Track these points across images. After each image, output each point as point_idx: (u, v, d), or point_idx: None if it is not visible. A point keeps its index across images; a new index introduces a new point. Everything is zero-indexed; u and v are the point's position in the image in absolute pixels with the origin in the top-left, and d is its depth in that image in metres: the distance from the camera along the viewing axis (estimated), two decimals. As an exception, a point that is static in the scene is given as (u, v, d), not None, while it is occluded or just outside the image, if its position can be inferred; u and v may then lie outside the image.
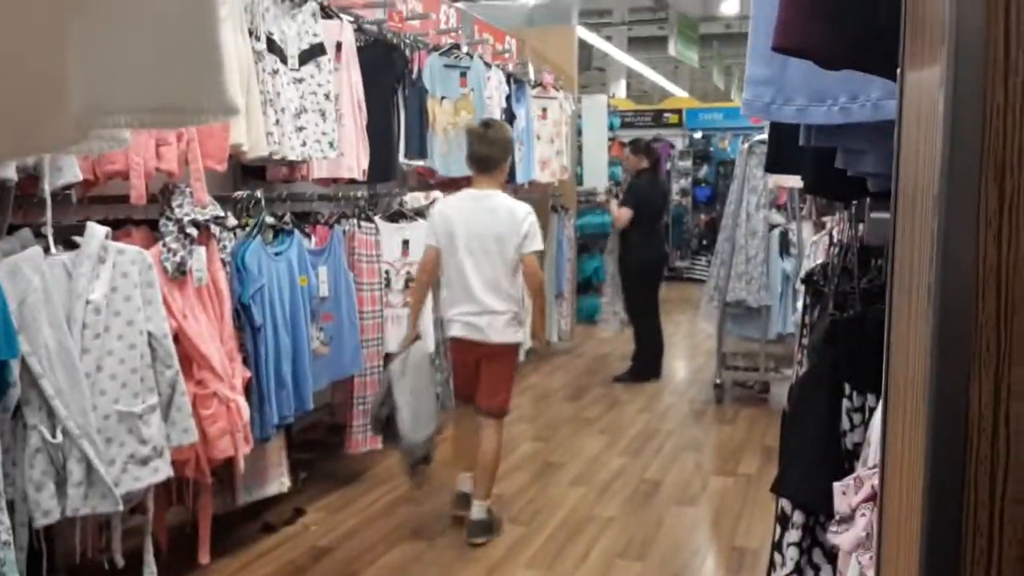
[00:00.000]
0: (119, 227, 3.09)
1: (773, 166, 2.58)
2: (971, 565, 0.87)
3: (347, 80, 4.21)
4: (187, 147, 3.08)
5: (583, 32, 9.53)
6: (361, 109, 4.31)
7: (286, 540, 3.79)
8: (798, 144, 1.83)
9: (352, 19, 4.41)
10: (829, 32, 1.26)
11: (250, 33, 3.47)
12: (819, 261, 3.21)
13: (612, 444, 5.29)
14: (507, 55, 7.02)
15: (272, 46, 3.60)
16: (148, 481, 2.83)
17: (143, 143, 2.91)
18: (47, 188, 2.63)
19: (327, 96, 3.90)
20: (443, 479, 4.59)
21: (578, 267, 8.66)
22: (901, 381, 1.07)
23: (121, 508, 2.75)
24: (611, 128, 9.56)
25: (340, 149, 4.04)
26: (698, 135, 14.05)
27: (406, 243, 4.74)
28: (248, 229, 3.59)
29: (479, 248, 3.75)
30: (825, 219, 4.11)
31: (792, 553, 2.02)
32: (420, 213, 4.94)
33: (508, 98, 6.16)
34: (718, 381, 6.31)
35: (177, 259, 3.05)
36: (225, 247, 3.41)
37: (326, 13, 4.09)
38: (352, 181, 4.38)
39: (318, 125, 3.84)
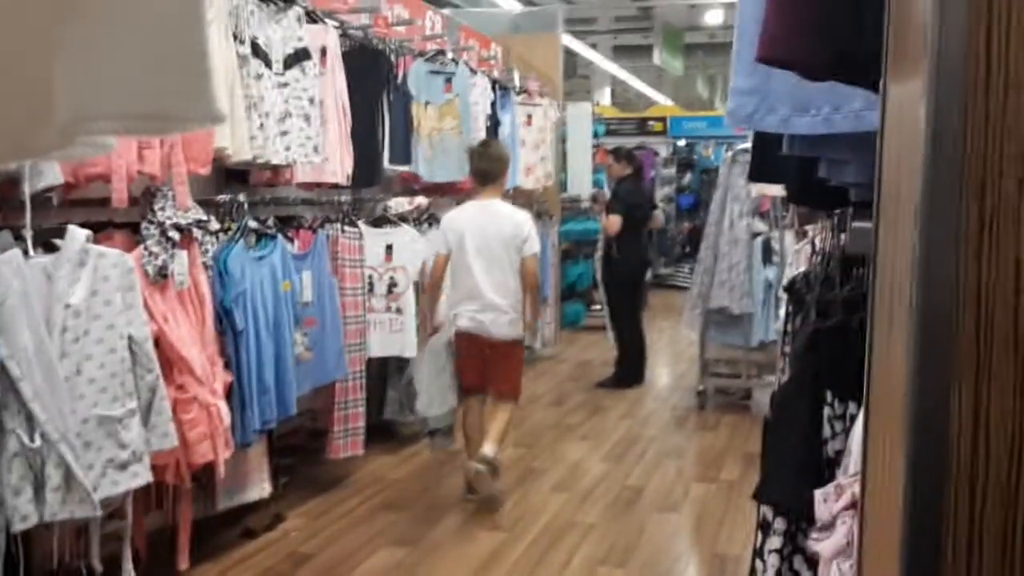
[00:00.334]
0: (100, 230, 3.07)
1: (756, 175, 2.60)
2: (951, 574, 0.87)
3: (332, 85, 4.20)
4: (170, 150, 3.07)
5: (568, 40, 9.57)
6: (346, 114, 4.31)
7: (266, 546, 3.77)
8: (781, 153, 1.84)
9: (337, 24, 4.41)
10: (813, 44, 1.27)
11: (234, 37, 3.46)
12: (801, 269, 3.23)
13: (594, 450, 5.30)
14: (492, 62, 7.03)
15: (257, 50, 3.59)
16: (127, 486, 2.81)
17: (125, 146, 2.89)
18: (27, 191, 2.61)
19: (311, 101, 3.89)
20: (419, 489, 4.58)
21: (562, 273, 8.67)
22: (882, 391, 1.08)
23: (99, 513, 2.72)
24: (596, 135, 9.60)
25: (324, 154, 4.03)
26: (682, 143, 14.12)
27: (389, 248, 4.74)
28: (231, 233, 3.57)
29: (487, 251, 4.16)
30: (807, 228, 4.13)
31: (773, 560, 2.03)
32: (404, 218, 4.94)
33: (493, 104, 6.17)
34: (700, 388, 6.33)
35: (158, 263, 3.03)
36: (207, 251, 3.39)
37: (311, 18, 4.08)
38: (336, 186, 4.37)
39: (302, 129, 3.84)
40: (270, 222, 3.83)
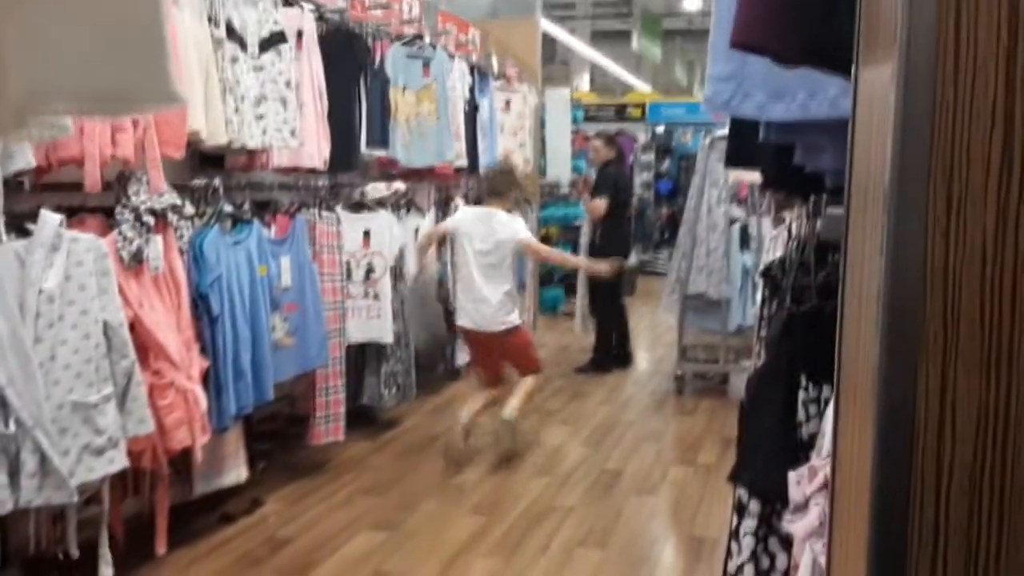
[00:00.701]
0: (73, 215, 3.04)
1: (733, 161, 2.61)
2: (917, 553, 0.89)
3: (308, 68, 4.17)
4: (143, 134, 3.04)
5: (547, 25, 9.54)
6: (322, 98, 4.28)
7: (244, 530, 3.77)
8: (758, 139, 1.85)
9: (313, 7, 4.37)
10: (786, 30, 1.28)
11: (209, 20, 3.43)
12: (778, 255, 3.25)
13: (573, 435, 5.33)
14: (470, 46, 7.00)
15: (232, 33, 3.56)
16: (103, 472, 2.80)
17: (98, 130, 2.86)
18: (-1, 174, 2.58)
19: (288, 84, 3.87)
20: (398, 473, 4.60)
21: (540, 259, 8.67)
22: (851, 373, 1.09)
23: (76, 499, 2.71)
24: (574, 121, 9.60)
25: (301, 138, 4.01)
26: (660, 129, 14.13)
27: (367, 233, 4.73)
28: (206, 218, 3.55)
29: (484, 252, 4.70)
30: (784, 214, 4.16)
31: (748, 541, 2.06)
32: (382, 203, 4.92)
33: (471, 89, 6.15)
34: (679, 372, 6.37)
35: (133, 247, 3.01)
36: (182, 236, 3.36)
37: (287, 1, 4.05)
38: (313, 170, 4.35)
39: (278, 113, 3.81)
40: (246, 207, 3.81)
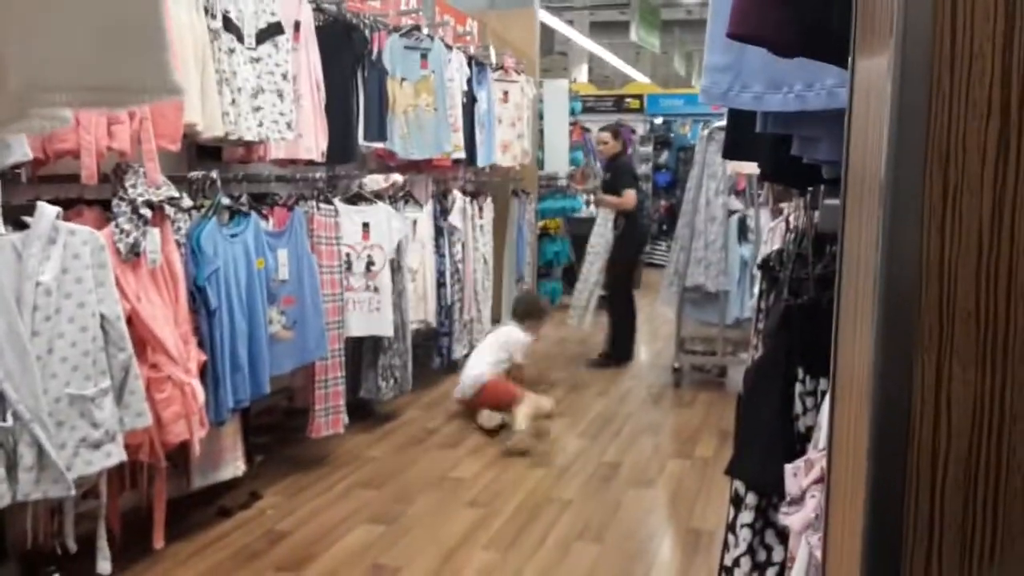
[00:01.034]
0: (70, 207, 3.03)
1: (731, 152, 2.60)
2: (912, 546, 0.89)
3: (305, 60, 4.16)
4: (140, 126, 3.02)
5: (545, 16, 9.50)
6: (320, 90, 4.27)
7: (242, 524, 3.77)
8: (755, 131, 1.84)
9: (311, -2, 4.35)
10: (784, 20, 1.28)
11: (206, 11, 3.42)
12: (775, 247, 3.24)
13: (571, 427, 5.33)
14: (468, 37, 6.98)
15: (228, 24, 3.54)
16: (101, 465, 2.80)
17: (94, 122, 2.85)
18: (-5, 167, 2.57)
19: (285, 76, 3.85)
20: (395, 466, 4.60)
21: (538, 251, 8.67)
22: (848, 366, 1.09)
23: (73, 492, 2.71)
24: (573, 113, 9.56)
25: (298, 130, 4.00)
26: (659, 121, 14.11)
27: (366, 226, 4.72)
28: (203, 210, 3.54)
29: (486, 347, 5.63)
30: (782, 205, 4.15)
31: (745, 534, 2.06)
32: (379, 196, 4.91)
33: (469, 81, 6.13)
34: (676, 365, 6.37)
35: (130, 240, 3.00)
36: (180, 228, 3.36)
37: (284, -8, 4.03)
38: (310, 162, 4.34)
39: (275, 105, 3.80)
40: (243, 199, 3.80)
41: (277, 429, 4.81)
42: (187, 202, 3.37)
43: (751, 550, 2.05)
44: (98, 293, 2.80)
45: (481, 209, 6.55)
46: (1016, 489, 0.87)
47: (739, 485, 2.09)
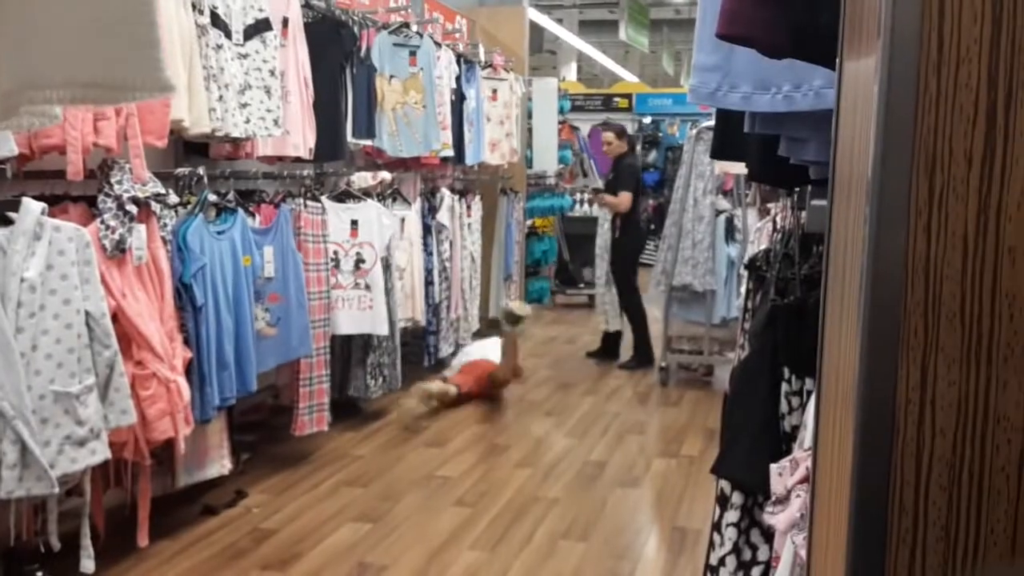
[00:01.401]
0: (56, 203, 3.01)
1: (719, 152, 2.61)
2: (896, 545, 0.89)
3: (293, 56, 4.15)
4: (126, 122, 3.01)
5: (534, 14, 9.51)
6: (308, 86, 4.26)
7: (228, 522, 3.76)
8: (743, 131, 1.85)
9: (299, -6, 4.34)
10: (772, 21, 1.28)
11: (193, 7, 3.40)
12: (762, 247, 3.26)
13: (558, 426, 5.33)
14: (457, 35, 6.98)
15: (216, 20, 3.53)
16: (85, 463, 2.78)
17: (80, 117, 2.84)
18: (-21, 162, 2.56)
19: (272, 72, 3.84)
20: (382, 465, 4.60)
21: (527, 250, 8.67)
22: (833, 366, 1.10)
23: (57, 490, 2.69)
24: (561, 111, 9.56)
25: (286, 127, 3.98)
26: (647, 120, 14.13)
27: (355, 223, 4.70)
28: (190, 207, 3.52)
29: None
30: (769, 206, 4.17)
31: (731, 533, 2.06)
32: (368, 193, 4.90)
33: (458, 79, 6.12)
34: (663, 364, 6.38)
35: (116, 237, 2.99)
36: (166, 225, 3.34)
37: (272, -12, 4.01)
38: (298, 160, 4.32)
39: (263, 102, 3.78)
40: (230, 196, 3.78)
41: (263, 427, 4.79)
42: (173, 199, 3.36)
43: (736, 549, 2.05)
44: (83, 290, 2.78)
45: (469, 207, 6.55)
46: (1000, 488, 0.87)
47: (725, 484, 2.10)
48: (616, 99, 14.17)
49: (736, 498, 2.06)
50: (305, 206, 4.35)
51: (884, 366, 0.88)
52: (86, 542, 2.93)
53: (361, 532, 3.72)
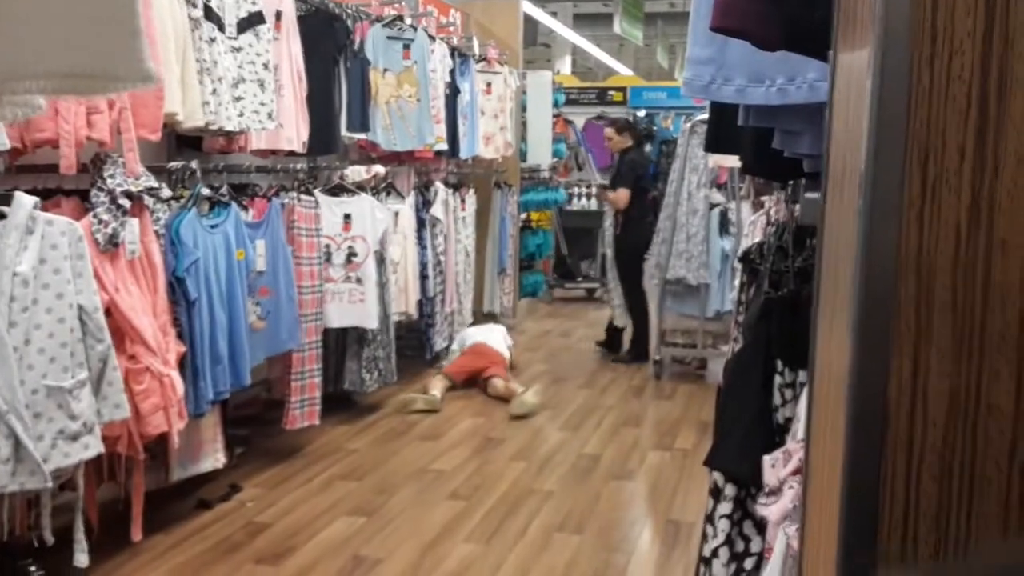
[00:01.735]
0: (48, 197, 3.00)
1: (713, 146, 2.61)
2: (888, 536, 0.89)
3: (287, 50, 4.14)
4: (119, 116, 3.00)
5: (528, 7, 9.49)
6: (301, 80, 4.25)
7: (222, 516, 3.75)
8: (737, 124, 1.85)
9: (292, -12, 4.33)
10: (766, 13, 1.28)
11: (186, 0, 3.39)
12: (756, 240, 3.26)
13: (552, 419, 5.34)
14: (451, 28, 6.96)
15: (209, 13, 3.52)
16: (78, 457, 2.78)
17: (73, 111, 2.83)
18: (-29, 156, 2.55)
19: (266, 66, 3.83)
20: (377, 458, 4.60)
21: (521, 243, 8.67)
22: (826, 358, 1.10)
23: (50, 485, 2.69)
24: (556, 104, 9.54)
25: (279, 120, 3.97)
26: (642, 113, 14.11)
27: (348, 217, 4.70)
28: (183, 201, 3.51)
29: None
30: (763, 199, 4.17)
31: (723, 525, 2.07)
32: (362, 187, 4.89)
33: (452, 72, 6.12)
34: (657, 357, 6.39)
35: (109, 231, 2.98)
36: (159, 219, 3.34)
37: (265, -19, 4.00)
38: (292, 153, 4.31)
39: (256, 95, 3.77)
40: (224, 190, 3.77)
41: (257, 421, 4.79)
42: (166, 192, 3.35)
43: (729, 541, 2.06)
44: (76, 284, 2.78)
45: (464, 201, 6.55)
46: (991, 479, 0.88)
47: (718, 476, 2.11)
48: (611, 92, 14.14)
49: (729, 490, 2.06)
50: (299, 200, 4.34)
51: (876, 357, 0.88)
52: (80, 536, 2.93)
53: (356, 525, 3.72)
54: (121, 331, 3.02)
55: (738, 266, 3.55)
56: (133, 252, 3.10)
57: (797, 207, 2.27)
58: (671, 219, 6.16)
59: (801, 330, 1.65)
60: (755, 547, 2.05)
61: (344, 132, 4.80)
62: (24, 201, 2.68)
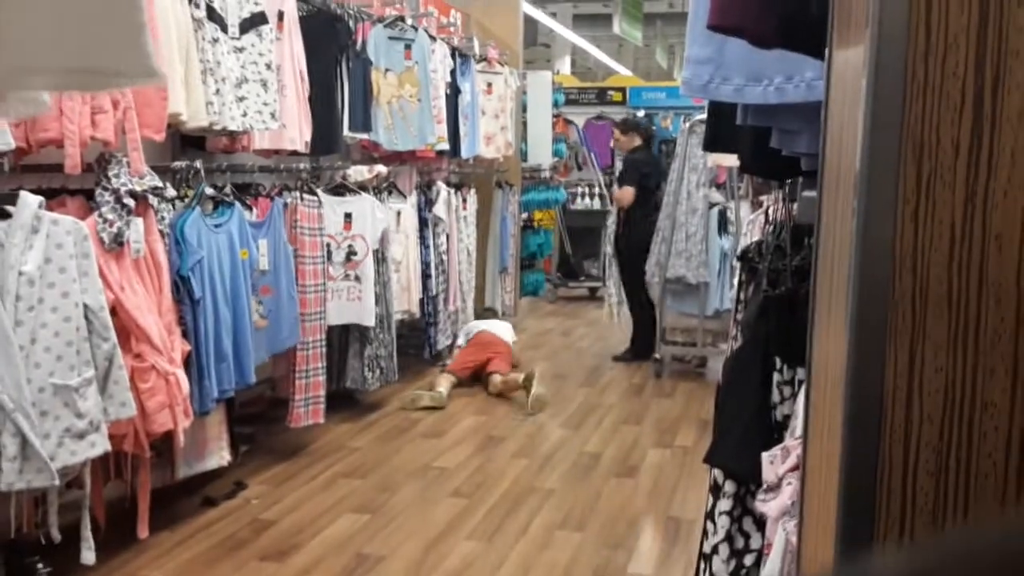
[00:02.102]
0: (53, 196, 3.02)
1: (711, 145, 2.63)
2: (885, 531, 0.90)
3: (289, 50, 4.15)
4: (124, 115, 3.01)
5: (528, 8, 9.50)
6: (303, 80, 4.26)
7: (227, 514, 3.77)
8: (736, 123, 1.86)
9: (294, -12, 4.34)
10: (762, 11, 1.29)
11: (189, 1, 3.40)
12: (755, 239, 3.27)
13: (554, 417, 5.35)
14: (452, 29, 6.97)
15: (212, 14, 3.53)
16: (85, 455, 2.80)
17: (78, 111, 2.84)
18: (-24, 156, 2.56)
19: (268, 66, 3.85)
20: (379, 456, 4.61)
21: (522, 243, 8.69)
22: (823, 354, 1.11)
23: (57, 482, 2.71)
24: (556, 104, 9.55)
25: (282, 120, 3.99)
26: (641, 113, 14.10)
27: (348, 216, 4.72)
28: (187, 200, 3.53)
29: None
30: (762, 198, 4.18)
31: (723, 521, 2.08)
32: (363, 187, 4.91)
33: (453, 72, 6.13)
34: (657, 356, 6.40)
35: (114, 230, 3.00)
36: (163, 218, 3.35)
37: (268, -19, 4.02)
38: (294, 153, 4.33)
39: (259, 95, 3.79)
40: (227, 189, 3.79)
41: (262, 419, 4.81)
42: (171, 192, 3.37)
43: (729, 537, 2.08)
44: (81, 283, 2.79)
45: (465, 201, 6.56)
46: (987, 474, 0.88)
47: (718, 473, 2.12)
48: (610, 92, 14.12)
49: (728, 487, 2.08)
50: (302, 199, 4.36)
51: (872, 353, 0.89)
52: (86, 534, 2.95)
53: (359, 523, 3.74)
54: (127, 330, 3.04)
55: (737, 265, 3.56)
56: (138, 251, 3.12)
57: (795, 206, 2.29)
58: (670, 218, 6.18)
59: (799, 328, 1.67)
60: (755, 543, 2.06)
61: (346, 132, 4.82)
62: (29, 200, 2.69)
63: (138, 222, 3.11)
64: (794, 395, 1.94)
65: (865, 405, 0.90)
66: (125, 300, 3.03)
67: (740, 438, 2.01)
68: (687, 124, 6.18)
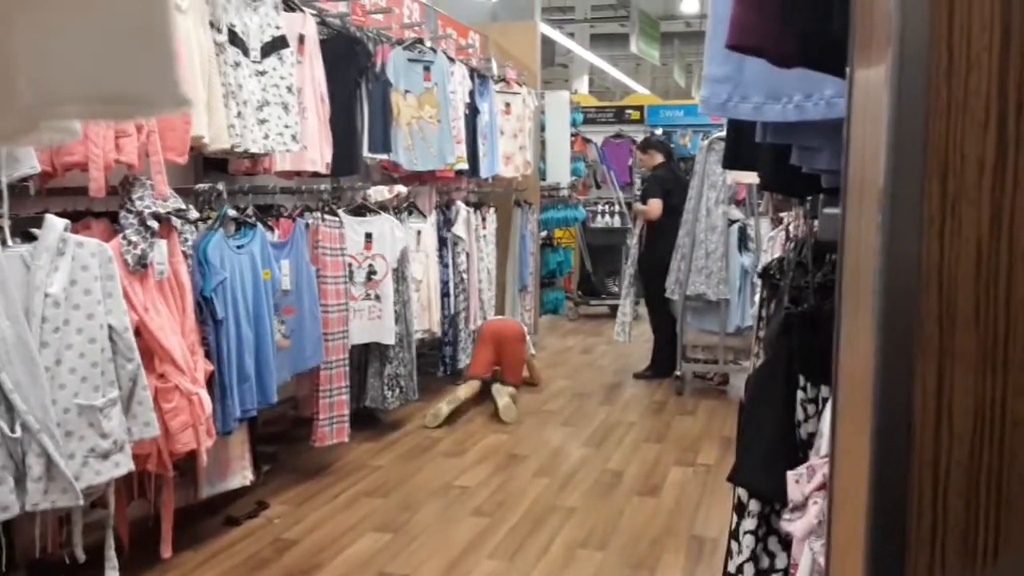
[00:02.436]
0: (78, 219, 3.06)
1: (731, 162, 2.62)
2: (915, 552, 0.89)
3: (310, 73, 4.19)
4: (147, 139, 3.05)
5: (546, 28, 9.55)
6: (324, 102, 4.30)
7: (249, 533, 3.78)
8: (755, 141, 1.86)
9: (315, 12, 4.39)
10: (781, 31, 1.30)
11: (211, 25, 3.45)
12: (776, 256, 3.26)
13: (575, 436, 5.34)
14: (470, 50, 7.02)
15: (234, 38, 3.57)
16: (109, 475, 2.81)
17: (102, 135, 2.88)
18: (3, 179, 2.60)
19: (289, 89, 3.88)
20: (401, 475, 4.61)
21: (542, 261, 8.69)
22: (849, 373, 1.10)
23: (81, 502, 2.72)
24: (574, 124, 9.58)
25: (303, 142, 4.02)
26: (659, 131, 14.11)
27: (369, 236, 4.75)
28: (210, 222, 3.57)
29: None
30: (782, 215, 4.17)
31: (748, 541, 2.07)
32: (384, 207, 4.94)
33: (472, 93, 6.17)
34: (678, 373, 6.37)
35: (138, 252, 3.03)
36: (187, 240, 3.38)
37: (288, 5, 4.07)
38: (315, 174, 4.36)
39: (280, 118, 3.83)
40: (249, 211, 3.83)
41: (284, 438, 4.83)
42: (194, 214, 3.40)
43: (754, 557, 2.06)
44: (106, 304, 2.82)
45: (484, 219, 6.58)
46: (1018, 494, 0.87)
47: (742, 492, 2.11)
48: (628, 111, 14.16)
49: (753, 506, 2.06)
50: (323, 220, 4.39)
51: (899, 373, 0.88)
52: (110, 554, 2.96)
53: (381, 542, 3.73)
54: (150, 350, 3.06)
55: (758, 282, 3.55)
56: (162, 273, 3.15)
57: (816, 223, 2.28)
58: (690, 235, 6.17)
59: (822, 345, 1.66)
60: (780, 563, 2.04)
61: (366, 153, 4.85)
62: (55, 223, 2.73)
63: (162, 244, 3.15)
64: (818, 413, 1.92)
65: (893, 424, 0.89)
66: (149, 321, 3.06)
67: (764, 456, 2.00)
68: (706, 141, 6.18)
